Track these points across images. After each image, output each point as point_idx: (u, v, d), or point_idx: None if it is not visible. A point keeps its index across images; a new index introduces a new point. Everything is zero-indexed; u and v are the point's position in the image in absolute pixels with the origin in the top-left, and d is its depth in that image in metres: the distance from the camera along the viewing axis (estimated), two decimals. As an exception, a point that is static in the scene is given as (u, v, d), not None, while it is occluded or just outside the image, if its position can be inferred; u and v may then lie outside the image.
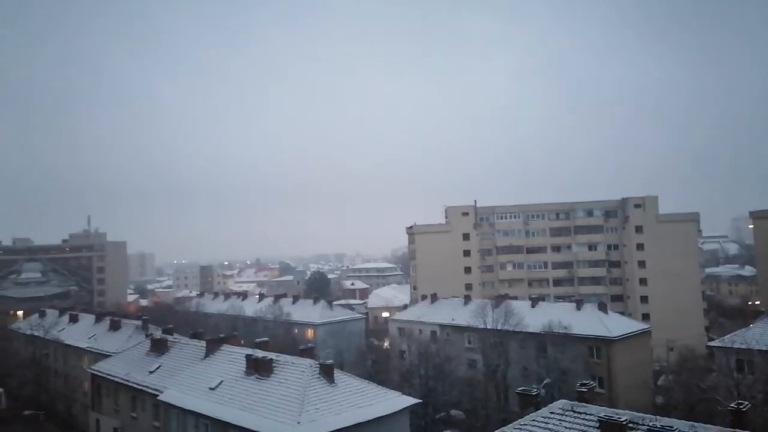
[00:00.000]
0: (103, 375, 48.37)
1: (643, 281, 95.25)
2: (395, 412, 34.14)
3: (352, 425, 31.47)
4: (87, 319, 71.76)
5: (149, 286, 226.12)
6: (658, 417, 23.25)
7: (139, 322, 63.83)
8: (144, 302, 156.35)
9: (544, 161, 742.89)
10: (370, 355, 73.41)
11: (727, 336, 48.72)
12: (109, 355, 53.52)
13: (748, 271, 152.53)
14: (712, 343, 51.94)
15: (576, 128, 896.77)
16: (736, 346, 44.73)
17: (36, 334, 67.76)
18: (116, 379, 46.41)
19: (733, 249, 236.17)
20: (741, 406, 24.12)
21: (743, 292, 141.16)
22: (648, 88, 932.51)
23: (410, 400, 36.80)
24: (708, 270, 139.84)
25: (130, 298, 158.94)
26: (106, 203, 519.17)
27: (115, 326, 64.50)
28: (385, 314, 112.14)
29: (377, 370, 63.26)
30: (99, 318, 69.85)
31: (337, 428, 30.92)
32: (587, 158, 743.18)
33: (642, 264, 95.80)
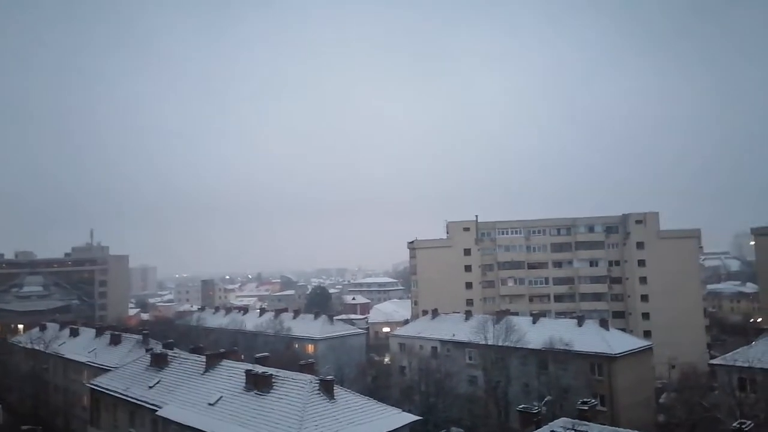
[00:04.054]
0: (102, 389, 48.10)
1: (644, 297, 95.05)
2: (395, 429, 33.95)
3: (352, 442, 31.30)
4: (88, 333, 71.56)
5: (151, 300, 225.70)
6: (659, 436, 23.17)
7: (140, 337, 63.62)
8: (145, 316, 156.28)
9: (546, 175, 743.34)
10: (370, 370, 73.09)
11: (729, 354, 48.63)
12: (109, 370, 53.26)
13: (749, 287, 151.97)
14: (714, 361, 51.70)
15: (576, 141, 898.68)
16: (738, 364, 44.65)
17: (36, 347, 67.49)
18: (115, 394, 46.09)
19: (734, 265, 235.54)
20: (743, 426, 24.06)
21: (745, 309, 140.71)
22: (649, 101, 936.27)
23: (410, 417, 36.59)
24: (709, 287, 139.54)
25: (132, 312, 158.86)
26: (110, 217, 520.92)
27: (115, 340, 64.36)
28: (386, 329, 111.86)
29: (378, 386, 63.01)
30: (100, 332, 69.65)
31: (337, 445, 30.76)
32: (588, 172, 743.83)
33: (643, 280, 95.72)
